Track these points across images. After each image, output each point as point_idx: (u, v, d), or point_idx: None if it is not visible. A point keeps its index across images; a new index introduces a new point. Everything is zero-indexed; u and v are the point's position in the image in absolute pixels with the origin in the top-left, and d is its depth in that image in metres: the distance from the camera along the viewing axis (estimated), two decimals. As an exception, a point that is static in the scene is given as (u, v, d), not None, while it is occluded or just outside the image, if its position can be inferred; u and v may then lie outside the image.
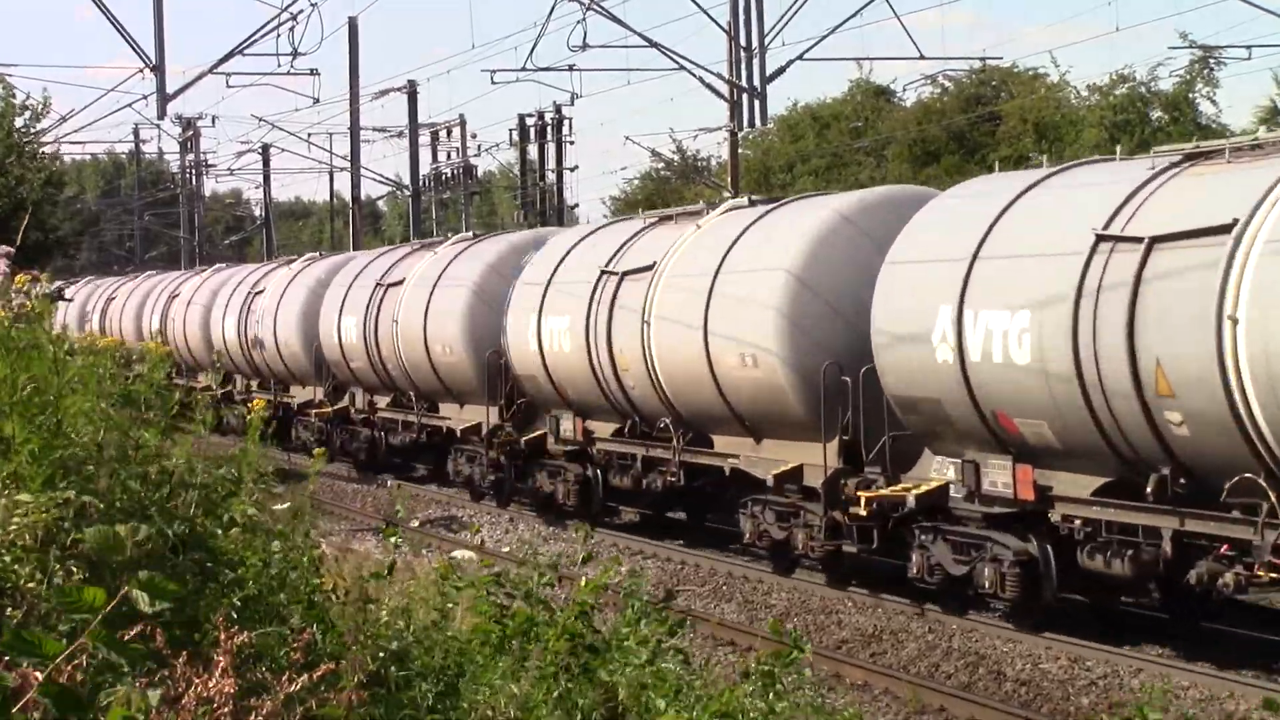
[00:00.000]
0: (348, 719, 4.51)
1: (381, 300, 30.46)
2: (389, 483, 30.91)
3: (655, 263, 21.55)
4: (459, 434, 27.76)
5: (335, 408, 33.10)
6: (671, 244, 21.72)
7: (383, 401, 31.35)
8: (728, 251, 20.10)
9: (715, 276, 19.91)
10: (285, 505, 6.65)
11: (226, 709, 4.01)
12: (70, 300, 47.14)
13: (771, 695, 6.96)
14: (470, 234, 33.09)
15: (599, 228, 26.28)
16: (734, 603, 18.94)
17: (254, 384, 38.00)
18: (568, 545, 23.12)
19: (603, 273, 22.68)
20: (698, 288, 20.15)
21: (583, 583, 7.08)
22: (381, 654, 5.98)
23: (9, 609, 4.90)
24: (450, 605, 6.93)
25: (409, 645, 6.27)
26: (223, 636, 4.19)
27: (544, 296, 24.16)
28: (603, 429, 23.43)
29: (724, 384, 19.67)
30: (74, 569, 5.05)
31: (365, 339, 30.86)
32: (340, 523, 26.05)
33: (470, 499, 28.19)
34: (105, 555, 4.70)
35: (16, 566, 4.89)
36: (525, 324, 24.55)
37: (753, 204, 21.79)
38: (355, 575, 6.56)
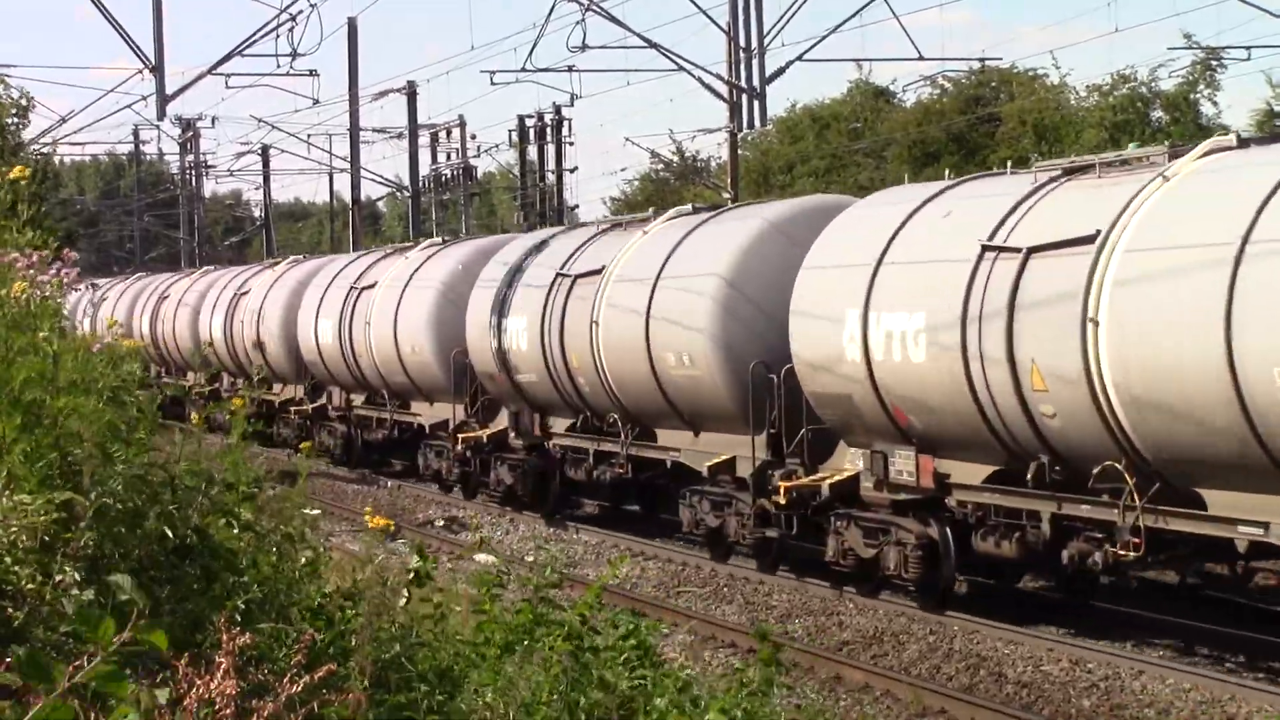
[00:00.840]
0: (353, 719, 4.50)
1: (355, 303, 31.73)
2: (389, 484, 31.01)
3: (604, 266, 22.77)
4: (428, 430, 29.15)
5: (314, 405, 34.44)
6: (620, 249, 22.91)
7: (358, 399, 32.69)
8: (668, 257, 21.37)
9: (656, 280, 21.18)
10: (312, 511, 6.63)
11: (228, 710, 3.99)
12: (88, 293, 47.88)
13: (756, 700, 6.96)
14: (440, 239, 34.27)
15: (558, 232, 27.50)
16: (735, 604, 18.93)
17: (239, 382, 38.95)
18: (568, 546, 23.16)
19: (557, 275, 23.85)
20: (641, 290, 21.40)
21: (594, 586, 7.08)
22: (385, 656, 5.97)
23: (10, 610, 4.88)
24: (454, 607, 6.91)
25: (412, 647, 6.25)
26: (225, 638, 4.16)
27: (503, 298, 25.37)
28: (559, 424, 24.67)
29: (664, 381, 20.95)
30: (74, 571, 5.03)
31: (340, 340, 32.12)
32: (340, 523, 26.05)
33: (440, 491, 29.26)
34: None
35: (17, 568, 4.87)
36: (486, 324, 25.70)
37: (696, 211, 23.15)
38: (369, 579, 6.54)
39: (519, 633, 6.86)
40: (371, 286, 31.38)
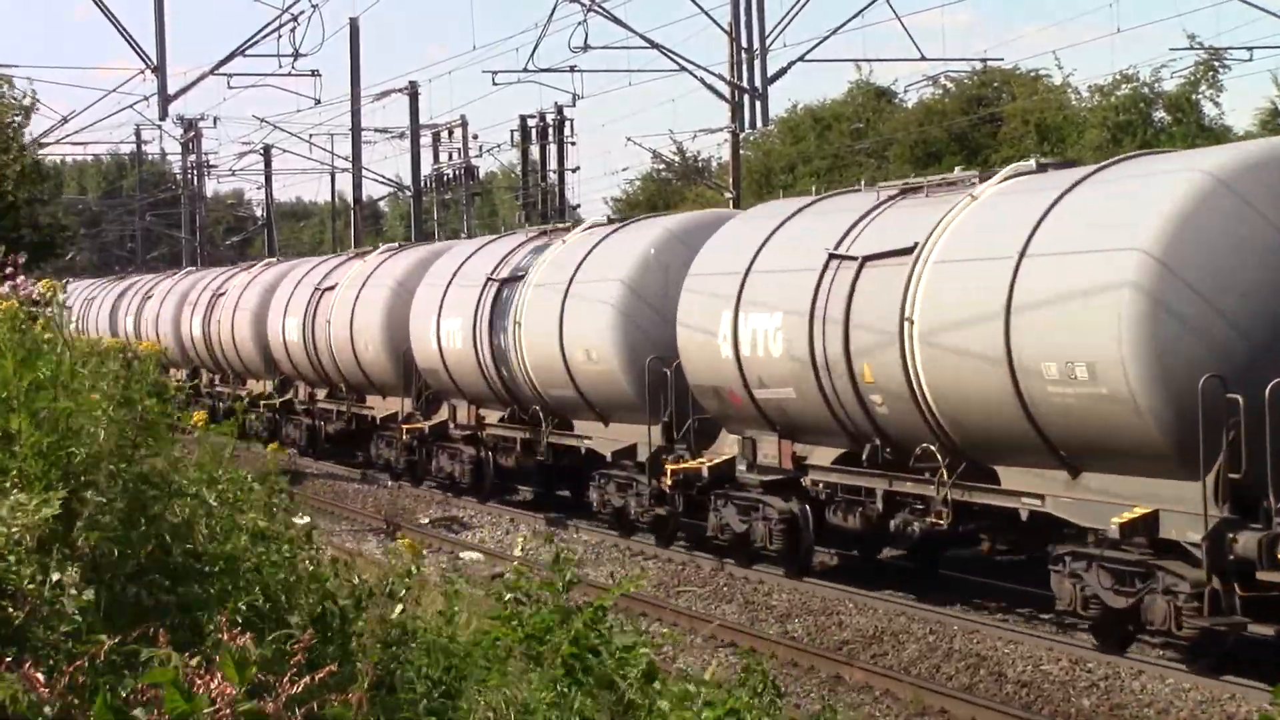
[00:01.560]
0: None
1: (318, 303, 34.02)
2: (389, 484, 31.06)
3: (528, 271, 25.13)
4: (379, 421, 31.63)
5: (281, 399, 36.67)
6: (541, 256, 25.24)
7: (321, 394, 35.00)
8: (580, 263, 23.65)
9: (569, 285, 23.49)
10: (302, 520, 6.62)
11: (229, 711, 4.01)
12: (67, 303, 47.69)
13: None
14: (397, 243, 36.37)
15: (495, 239, 29.93)
16: (734, 604, 18.95)
17: (217, 378, 41.99)
18: (568, 546, 23.17)
19: (488, 280, 26.11)
20: (556, 294, 23.78)
21: (607, 596, 7.07)
22: (388, 658, 5.97)
23: (10, 610, 4.90)
24: (455, 609, 6.89)
25: (414, 650, 6.25)
26: (226, 638, 4.18)
27: (442, 300, 27.62)
28: (491, 416, 27.18)
29: (575, 375, 23.28)
30: (73, 571, 5.04)
31: (304, 337, 34.48)
32: (340, 523, 26.08)
33: (390, 480, 31.27)
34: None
35: (19, 568, 4.88)
36: (427, 324, 28.01)
37: (610, 222, 25.83)
38: (372, 581, 6.53)
39: (535, 637, 6.84)
40: (333, 288, 33.60)
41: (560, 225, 27.24)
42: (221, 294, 41.13)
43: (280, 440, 35.55)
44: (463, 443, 28.13)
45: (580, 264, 23.59)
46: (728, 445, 20.39)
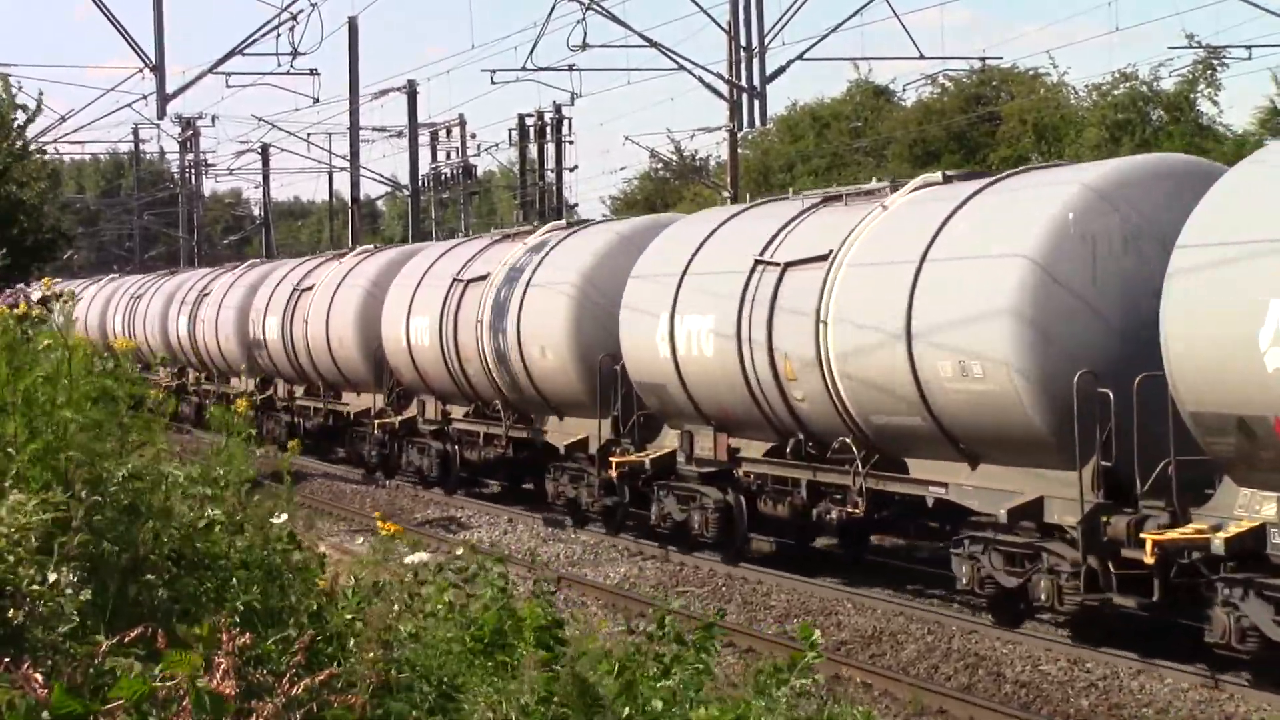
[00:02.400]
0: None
1: (296, 303, 35.04)
2: (388, 483, 31.06)
3: (490, 272, 26.26)
4: (353, 417, 32.70)
5: (263, 396, 36.84)
6: (502, 258, 26.31)
7: (299, 391, 35.81)
8: (538, 265, 24.78)
9: (527, 285, 24.66)
10: (284, 518, 6.61)
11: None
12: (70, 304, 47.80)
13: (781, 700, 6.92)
14: (371, 245, 37.64)
15: (463, 241, 31.30)
16: (733, 603, 18.94)
17: (202, 376, 42.80)
18: (566, 546, 23.16)
19: (453, 280, 27.29)
20: (515, 293, 24.90)
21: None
22: (389, 659, 5.95)
23: (10, 610, 4.89)
24: (440, 609, 6.86)
25: (414, 651, 6.24)
26: (225, 638, 4.17)
27: (412, 299, 28.64)
28: (457, 411, 28.11)
29: (532, 371, 24.38)
30: (71, 572, 5.03)
31: (284, 336, 35.49)
32: (339, 523, 26.06)
33: (365, 474, 32.20)
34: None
35: (20, 568, 4.88)
36: (398, 323, 29.01)
37: (568, 226, 26.89)
38: (364, 583, 6.52)
39: (492, 635, 6.80)
40: (311, 288, 34.58)
41: (524, 228, 28.70)
42: (206, 294, 42.11)
43: (261, 437, 36.13)
44: (430, 437, 29.05)
45: (538, 265, 24.78)
46: (669, 439, 21.60)
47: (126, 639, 4.47)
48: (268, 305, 36.85)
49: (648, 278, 21.52)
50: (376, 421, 30.63)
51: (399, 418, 29.94)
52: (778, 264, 18.76)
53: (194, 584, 5.82)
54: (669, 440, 21.58)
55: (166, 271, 53.26)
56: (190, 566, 5.85)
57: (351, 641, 5.91)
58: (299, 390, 35.81)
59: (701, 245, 20.73)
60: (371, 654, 5.64)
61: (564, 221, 27.24)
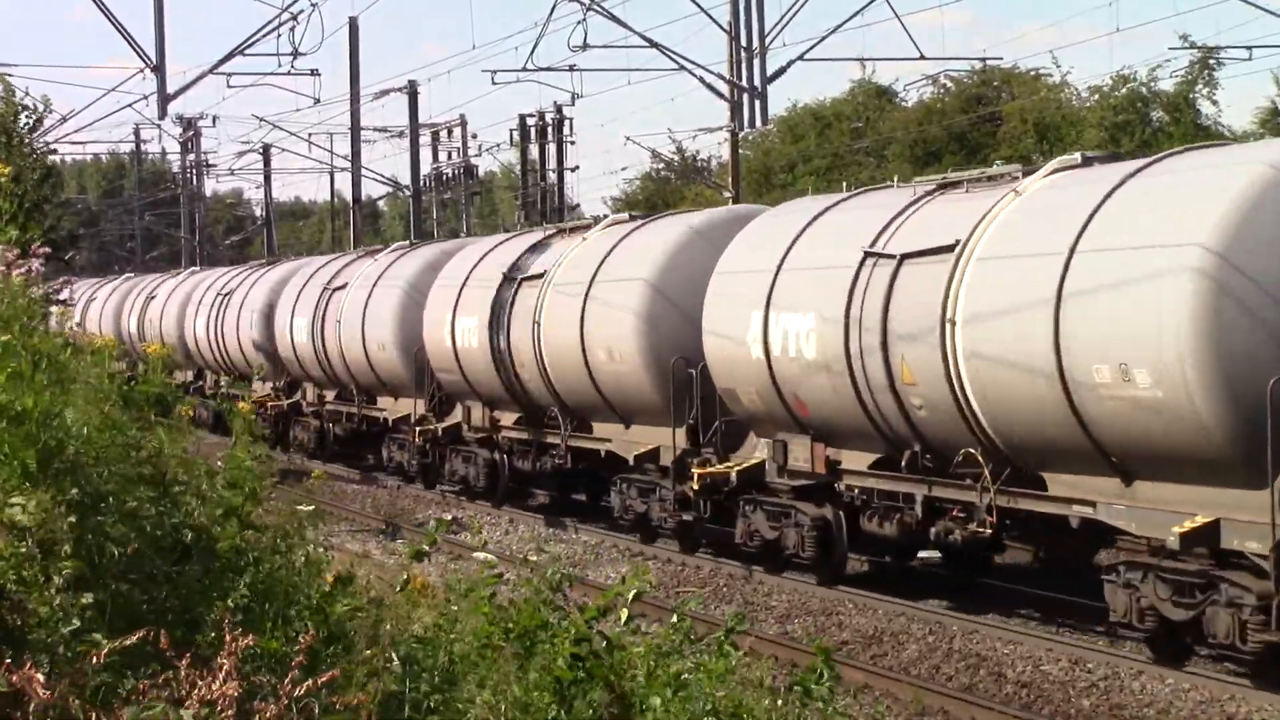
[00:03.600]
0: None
1: (328, 303, 33.23)
2: (390, 483, 31.04)
3: (547, 270, 24.39)
4: (391, 424, 30.82)
5: (289, 401, 36.25)
6: (561, 254, 24.51)
7: (330, 395, 34.34)
8: (602, 261, 22.90)
9: (591, 283, 22.76)
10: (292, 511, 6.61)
11: (230, 712, 4.00)
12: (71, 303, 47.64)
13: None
14: (407, 242, 35.62)
15: (511, 237, 28.98)
16: (734, 604, 18.92)
17: (222, 378, 41.18)
18: (568, 546, 23.14)
19: (505, 278, 25.46)
20: (578, 292, 23.01)
21: (609, 592, 7.06)
22: (389, 660, 5.95)
23: (10, 611, 4.88)
24: (455, 609, 6.87)
25: (415, 651, 6.24)
26: (227, 639, 4.17)
27: (458, 298, 26.79)
28: (507, 418, 26.37)
29: (596, 376, 22.55)
30: (71, 573, 5.03)
31: (314, 338, 33.74)
32: (340, 524, 26.05)
33: (404, 483, 30.61)
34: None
35: (19, 569, 4.87)
36: (442, 324, 27.20)
37: (631, 219, 24.54)
38: (373, 585, 6.52)
39: (524, 637, 6.82)
40: (342, 287, 32.88)
41: (581, 222, 26.77)
42: (227, 294, 40.66)
43: (286, 444, 35.52)
44: (477, 445, 27.40)
45: (602, 261, 22.96)
46: (757, 449, 19.82)
47: (128, 642, 4.47)
48: (295, 305, 35.02)
49: (735, 274, 19.74)
50: (417, 429, 28.90)
51: (441, 424, 28.24)
52: (893, 256, 16.96)
53: (196, 584, 5.80)
54: (756, 450, 19.80)
55: (189, 270, 51.50)
56: (204, 553, 5.83)
57: (355, 637, 5.90)
58: (329, 395, 34.24)
59: (798, 237, 18.95)
60: (372, 651, 5.64)
61: (627, 215, 25.40)
